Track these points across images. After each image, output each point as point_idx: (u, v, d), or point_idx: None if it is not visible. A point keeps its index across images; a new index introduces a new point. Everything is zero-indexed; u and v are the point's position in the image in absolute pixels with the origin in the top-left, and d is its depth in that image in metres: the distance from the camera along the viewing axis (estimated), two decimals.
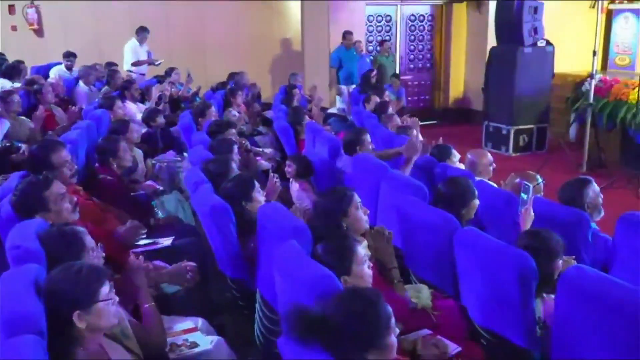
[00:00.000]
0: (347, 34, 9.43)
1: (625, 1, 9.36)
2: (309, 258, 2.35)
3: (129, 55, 8.92)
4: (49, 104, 6.00)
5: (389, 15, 10.61)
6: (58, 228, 2.49)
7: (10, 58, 8.44)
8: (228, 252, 3.15)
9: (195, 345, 2.48)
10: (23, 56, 8.41)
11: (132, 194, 4.30)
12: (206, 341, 2.51)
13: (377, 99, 7.07)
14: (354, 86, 9.25)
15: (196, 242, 3.61)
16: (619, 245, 3.07)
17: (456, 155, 4.41)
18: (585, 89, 7.77)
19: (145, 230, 3.42)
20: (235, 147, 4.43)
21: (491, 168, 4.12)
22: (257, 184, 3.32)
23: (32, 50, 9.51)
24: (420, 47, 10.96)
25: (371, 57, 9.96)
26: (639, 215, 3.09)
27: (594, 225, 3.22)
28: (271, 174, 3.74)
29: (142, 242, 3.37)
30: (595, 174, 6.11)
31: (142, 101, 7.22)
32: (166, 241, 3.51)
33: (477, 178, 3.81)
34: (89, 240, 2.42)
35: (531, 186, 3.11)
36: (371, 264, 2.42)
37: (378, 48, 10.23)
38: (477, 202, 3.18)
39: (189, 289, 2.87)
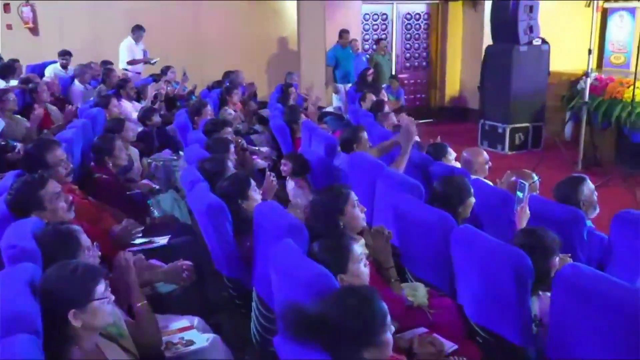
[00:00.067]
0: (343, 33, 9.43)
1: (620, 0, 9.39)
2: (305, 257, 2.34)
3: (124, 53, 8.90)
4: (44, 102, 5.98)
5: (385, 14, 10.62)
6: (54, 227, 2.48)
7: (6, 57, 8.42)
8: (224, 250, 3.14)
9: (191, 343, 2.48)
10: (18, 55, 8.39)
11: (127, 192, 4.29)
12: (202, 339, 2.51)
13: (373, 98, 7.06)
14: (350, 85, 9.25)
15: (192, 241, 3.60)
16: (615, 243, 3.08)
17: (452, 154, 4.41)
18: (580, 88, 7.79)
19: (141, 229, 3.42)
20: (232, 146, 4.43)
21: (487, 166, 4.13)
22: (253, 182, 3.32)
23: (27, 49, 9.49)
24: (417, 45, 10.97)
25: (367, 56, 9.96)
26: (634, 214, 3.10)
27: (589, 223, 3.23)
28: (267, 173, 3.74)
29: (138, 241, 3.37)
30: (590, 172, 6.13)
31: (138, 100, 7.21)
32: (162, 240, 3.51)
33: (473, 176, 3.82)
34: (85, 239, 2.42)
35: (527, 184, 3.12)
36: (368, 263, 2.42)
37: (374, 47, 10.23)
38: (473, 200, 3.19)
39: (185, 288, 2.86)
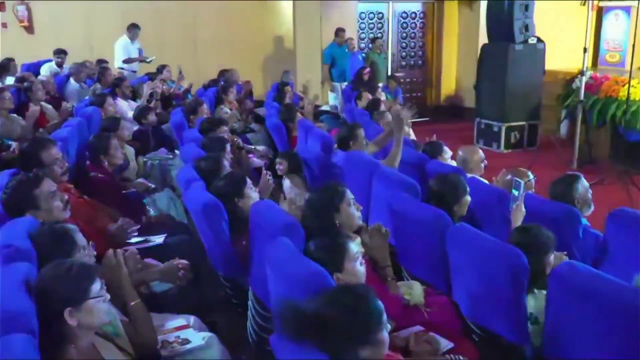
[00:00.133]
0: (339, 31, 9.43)
1: None
2: (301, 255, 2.34)
3: (120, 52, 8.87)
4: (39, 101, 5.96)
5: (380, 13, 10.63)
6: (49, 226, 2.48)
7: (1, 55, 8.38)
8: (220, 249, 3.14)
9: (187, 341, 2.47)
10: (13, 54, 8.36)
11: (123, 191, 4.28)
12: (198, 338, 2.51)
13: (369, 96, 7.07)
14: (346, 83, 9.25)
15: (188, 240, 3.60)
16: (610, 241, 3.09)
17: (448, 152, 4.42)
18: (575, 86, 7.80)
19: (137, 228, 3.42)
20: (228, 145, 4.42)
21: (483, 165, 4.14)
22: (249, 181, 3.32)
23: (22, 48, 9.45)
24: (412, 44, 10.98)
25: (363, 55, 9.96)
26: (629, 212, 3.11)
27: (584, 221, 3.24)
28: (264, 171, 3.74)
29: (133, 240, 3.37)
30: (585, 170, 6.15)
31: (134, 99, 7.20)
32: (158, 239, 3.51)
33: (469, 175, 3.82)
34: (80, 239, 2.41)
35: (522, 183, 3.13)
36: (364, 261, 2.42)
37: (370, 45, 10.23)
38: (468, 198, 3.19)
39: (181, 286, 2.85)
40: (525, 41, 8.14)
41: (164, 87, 7.66)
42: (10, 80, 7.24)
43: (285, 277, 2.27)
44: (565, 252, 2.80)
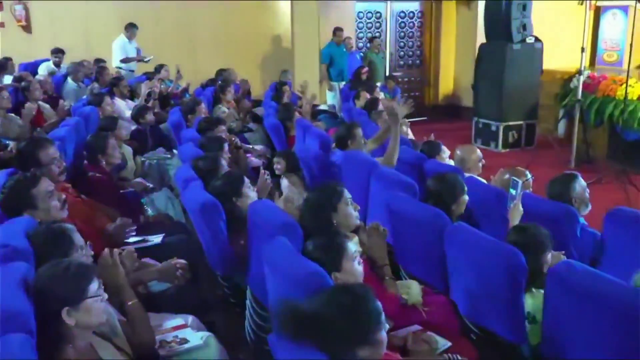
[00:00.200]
0: (337, 30, 9.42)
1: None
2: (299, 255, 2.34)
3: (117, 51, 8.86)
4: (37, 101, 5.95)
5: (378, 12, 10.63)
6: (46, 226, 2.47)
7: None
8: (218, 249, 3.14)
9: (185, 341, 2.47)
10: (11, 53, 8.35)
11: (121, 191, 4.28)
12: (196, 337, 2.50)
13: (368, 96, 7.07)
14: (344, 83, 9.25)
15: (186, 240, 3.60)
16: (607, 241, 3.10)
17: (446, 152, 4.42)
18: (573, 86, 7.82)
19: (135, 228, 3.41)
20: (226, 145, 4.42)
21: (480, 164, 4.14)
22: (247, 180, 3.32)
23: (20, 47, 9.43)
24: (410, 43, 10.98)
25: (361, 54, 9.96)
26: (626, 211, 3.12)
27: (582, 220, 3.24)
28: (262, 171, 3.73)
29: (131, 240, 3.37)
30: (583, 169, 6.15)
31: (131, 98, 7.19)
32: (156, 239, 3.51)
33: (467, 174, 3.83)
34: (78, 238, 2.41)
35: (520, 182, 3.13)
36: (362, 260, 2.42)
37: (368, 45, 10.23)
38: (466, 197, 3.20)
39: (179, 286, 2.85)
40: (523, 40, 8.14)
41: (161, 86, 7.66)
42: (7, 80, 7.24)
43: (283, 277, 2.27)
44: (563, 252, 2.80)
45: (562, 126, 8.42)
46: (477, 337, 2.70)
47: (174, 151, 5.35)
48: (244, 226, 3.05)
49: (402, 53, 10.96)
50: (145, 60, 8.98)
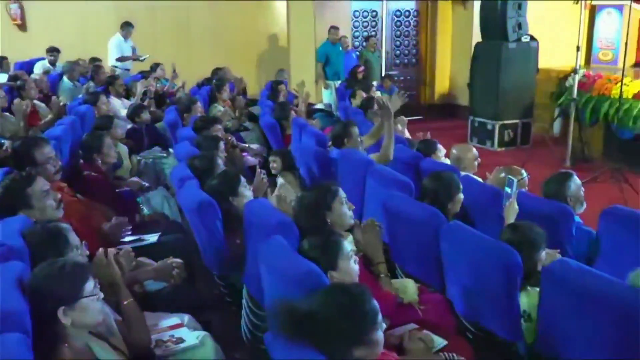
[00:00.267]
0: (332, 29, 9.42)
1: None
2: (295, 254, 2.34)
3: (113, 50, 8.84)
4: (32, 99, 5.93)
5: (374, 11, 10.63)
6: (42, 225, 2.47)
7: None
8: (214, 248, 3.14)
9: (181, 340, 2.47)
10: (6, 52, 8.31)
11: (117, 190, 4.27)
12: (192, 337, 2.50)
13: (364, 94, 7.07)
14: (340, 82, 9.25)
15: (182, 239, 3.60)
16: (603, 239, 3.11)
17: (442, 150, 4.43)
18: (569, 84, 7.83)
19: (131, 227, 3.41)
20: (222, 143, 4.42)
21: (476, 163, 4.15)
22: (243, 179, 3.31)
23: (15, 46, 9.40)
24: (406, 42, 10.98)
25: (357, 53, 9.96)
26: (621, 209, 3.13)
27: (577, 218, 3.25)
28: (258, 170, 3.73)
29: (127, 239, 3.36)
30: (578, 168, 6.18)
31: (127, 97, 7.17)
32: (152, 238, 3.50)
33: (463, 173, 3.83)
34: (73, 238, 2.40)
35: (515, 180, 3.14)
36: (357, 259, 2.43)
37: (364, 44, 10.23)
38: (461, 196, 3.20)
39: (175, 285, 2.85)
40: (519, 39, 8.16)
41: (157, 85, 7.64)
42: (3, 79, 7.21)
43: (279, 276, 2.28)
44: (558, 250, 2.81)
45: (557, 125, 8.43)
46: (473, 336, 2.70)
47: (170, 150, 5.34)
48: (240, 225, 3.05)
49: (397, 52, 10.97)
50: (141, 59, 8.97)
